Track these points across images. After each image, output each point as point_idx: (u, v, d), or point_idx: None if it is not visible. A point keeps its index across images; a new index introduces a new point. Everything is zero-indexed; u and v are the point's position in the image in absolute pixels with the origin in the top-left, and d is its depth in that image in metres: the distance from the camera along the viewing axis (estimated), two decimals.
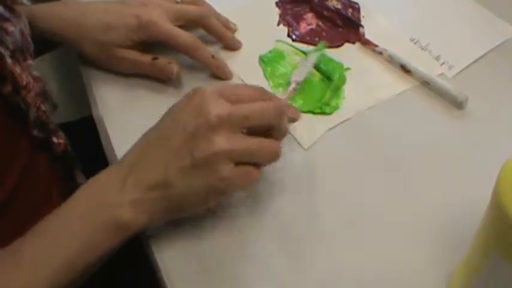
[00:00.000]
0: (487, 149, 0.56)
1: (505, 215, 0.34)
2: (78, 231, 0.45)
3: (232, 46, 0.66)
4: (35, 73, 0.52)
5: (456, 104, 0.59)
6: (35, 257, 0.44)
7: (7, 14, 0.49)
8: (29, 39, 0.53)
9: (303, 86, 0.61)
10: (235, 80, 0.63)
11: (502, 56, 0.65)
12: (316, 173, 0.54)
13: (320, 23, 0.69)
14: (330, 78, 0.62)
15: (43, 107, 0.52)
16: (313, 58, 0.62)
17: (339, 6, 0.69)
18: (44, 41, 0.60)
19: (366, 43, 0.66)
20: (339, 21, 0.68)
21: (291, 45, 0.66)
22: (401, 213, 0.51)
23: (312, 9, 0.70)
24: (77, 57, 0.65)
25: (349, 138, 0.57)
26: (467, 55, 0.64)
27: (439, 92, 0.60)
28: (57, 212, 0.47)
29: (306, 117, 0.58)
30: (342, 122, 0.58)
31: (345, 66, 0.64)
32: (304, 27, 0.68)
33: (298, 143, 0.56)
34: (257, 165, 0.47)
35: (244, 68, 0.64)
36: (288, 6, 0.71)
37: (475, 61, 0.64)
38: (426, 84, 0.61)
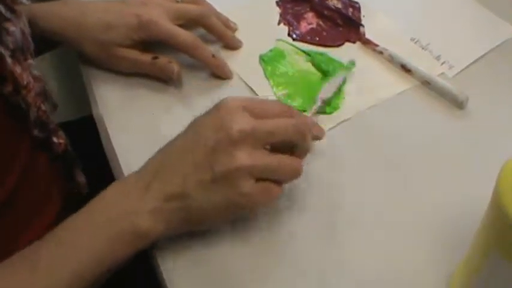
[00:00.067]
0: (487, 149, 0.56)
1: (505, 215, 0.34)
2: (97, 238, 0.45)
3: (232, 45, 0.66)
4: (35, 73, 0.52)
5: (456, 103, 0.59)
6: (52, 262, 0.44)
7: (8, 14, 0.49)
8: (30, 38, 0.53)
9: (303, 85, 0.61)
10: (235, 80, 0.63)
11: (503, 56, 0.65)
12: (316, 172, 0.54)
13: (320, 23, 0.69)
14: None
15: (43, 107, 0.52)
16: (341, 77, 0.61)
17: (339, 5, 0.69)
18: (44, 40, 0.60)
19: (367, 42, 0.66)
20: (339, 21, 0.68)
21: (291, 45, 0.66)
22: (401, 213, 0.51)
23: (312, 9, 0.70)
24: (77, 57, 0.65)
25: (349, 138, 0.57)
26: (468, 55, 0.64)
27: (440, 91, 0.60)
28: (76, 218, 0.46)
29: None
30: (342, 122, 0.58)
31: (346, 65, 0.64)
32: (304, 27, 0.68)
33: None
34: (278, 181, 0.47)
35: (244, 67, 0.64)
36: (289, 6, 0.71)
37: (476, 61, 0.64)
38: (427, 83, 0.61)
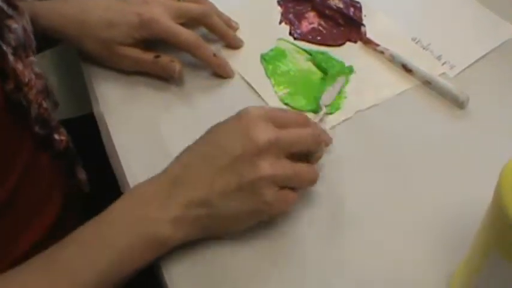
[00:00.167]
0: (488, 149, 0.56)
1: (505, 215, 0.34)
2: (117, 244, 0.45)
3: (234, 44, 0.66)
4: (37, 70, 0.52)
5: (457, 103, 0.59)
6: (72, 267, 0.45)
7: (10, 11, 0.49)
8: (32, 36, 0.53)
9: (304, 85, 0.61)
10: (236, 79, 0.63)
11: (504, 56, 0.65)
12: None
13: (322, 22, 0.69)
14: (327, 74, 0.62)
15: (44, 104, 0.52)
16: (340, 82, 0.62)
17: (340, 5, 0.69)
18: (45, 38, 0.60)
19: (368, 42, 0.66)
20: (340, 20, 0.68)
21: (292, 44, 0.66)
22: (401, 213, 0.51)
23: (313, 8, 0.70)
24: (78, 54, 0.65)
25: (350, 138, 0.57)
26: (469, 55, 0.64)
27: (441, 91, 0.60)
28: (96, 222, 0.46)
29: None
30: (342, 121, 0.58)
31: (347, 65, 0.64)
32: (305, 26, 0.68)
33: None
34: (294, 188, 0.48)
35: (245, 67, 0.64)
36: (290, 5, 0.71)
37: (477, 61, 0.64)
38: (427, 83, 0.61)
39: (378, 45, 0.65)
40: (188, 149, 0.49)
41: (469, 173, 0.54)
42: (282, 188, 0.47)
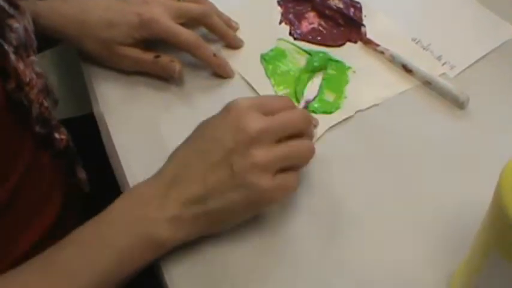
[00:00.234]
0: (488, 149, 0.56)
1: (505, 215, 0.34)
2: (116, 244, 0.45)
3: (234, 44, 0.65)
4: (37, 69, 0.52)
5: (458, 104, 0.59)
6: (72, 268, 0.44)
7: (11, 11, 0.49)
8: (33, 35, 0.53)
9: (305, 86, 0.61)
10: (236, 79, 0.63)
11: (504, 57, 0.65)
12: (316, 172, 0.54)
13: (322, 22, 0.69)
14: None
15: (45, 103, 0.52)
16: (319, 78, 0.62)
17: (340, 5, 0.69)
18: (45, 38, 0.60)
19: (368, 42, 0.66)
20: (340, 21, 0.68)
21: (292, 44, 0.66)
22: (401, 213, 0.51)
23: (313, 8, 0.70)
24: (78, 54, 0.65)
25: (349, 138, 0.57)
26: (469, 55, 0.64)
27: (441, 92, 0.60)
28: (95, 222, 0.46)
29: None
30: (342, 120, 0.58)
31: (347, 65, 0.64)
32: (306, 26, 0.68)
33: None
34: (295, 168, 0.48)
35: (245, 67, 0.64)
36: (290, 5, 0.71)
37: (477, 61, 0.64)
38: (428, 84, 0.61)
39: (378, 45, 0.65)
40: (180, 147, 0.49)
41: (469, 173, 0.54)
42: (281, 172, 0.46)
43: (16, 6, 0.50)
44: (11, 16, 0.49)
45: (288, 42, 0.66)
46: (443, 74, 0.63)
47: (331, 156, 0.55)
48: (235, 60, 0.64)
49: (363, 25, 0.68)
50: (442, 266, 0.47)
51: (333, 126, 0.58)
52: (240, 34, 0.67)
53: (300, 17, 0.70)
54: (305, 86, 0.61)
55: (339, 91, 0.61)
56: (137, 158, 0.56)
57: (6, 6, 0.49)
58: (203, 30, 0.65)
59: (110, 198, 0.47)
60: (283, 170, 0.47)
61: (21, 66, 0.48)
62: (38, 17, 0.59)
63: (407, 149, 0.56)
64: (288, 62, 0.64)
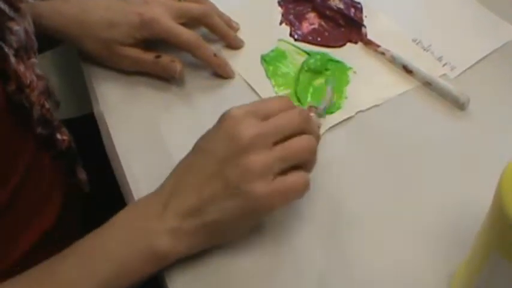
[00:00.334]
0: (488, 150, 0.55)
1: (506, 216, 0.34)
2: (116, 256, 0.45)
3: (234, 45, 0.65)
4: (38, 71, 0.52)
5: (458, 105, 0.59)
6: (71, 279, 0.44)
7: (12, 13, 0.49)
8: (33, 37, 0.53)
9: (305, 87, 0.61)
10: (237, 79, 0.63)
11: (505, 58, 0.65)
12: (316, 172, 0.54)
13: (322, 23, 0.69)
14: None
15: (47, 105, 0.52)
16: (330, 87, 0.61)
17: (341, 6, 0.69)
18: (46, 38, 0.60)
19: (368, 43, 0.66)
20: (341, 21, 0.68)
21: (293, 45, 0.66)
22: (401, 213, 0.51)
23: (314, 9, 0.70)
24: (78, 54, 0.65)
25: (350, 138, 0.57)
26: (470, 56, 0.64)
27: (441, 92, 0.60)
28: (96, 234, 0.46)
29: None
30: (343, 121, 0.58)
31: (347, 66, 0.64)
32: (306, 27, 0.68)
33: None
34: (300, 169, 0.46)
35: (246, 67, 0.64)
36: (290, 6, 0.71)
37: (478, 62, 0.64)
38: (428, 84, 0.61)
39: (378, 46, 0.65)
40: (180, 162, 0.49)
41: (469, 173, 0.54)
42: (281, 174, 0.45)
43: (16, 9, 0.50)
44: (12, 19, 0.49)
45: (288, 43, 0.66)
46: (444, 74, 0.63)
47: (332, 156, 0.55)
48: (236, 61, 0.64)
49: (364, 26, 0.68)
50: (442, 266, 0.47)
51: (334, 126, 0.58)
52: (241, 34, 0.67)
53: (300, 17, 0.70)
54: (307, 87, 0.61)
55: (339, 91, 0.61)
56: (137, 158, 0.56)
57: (7, 9, 0.48)
58: (204, 30, 0.65)
59: (109, 198, 0.48)
60: (292, 169, 0.46)
61: (21, 68, 0.48)
62: (39, 18, 0.59)
63: (408, 149, 0.56)
64: (288, 63, 0.64)
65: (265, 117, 0.46)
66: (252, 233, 0.49)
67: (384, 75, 0.63)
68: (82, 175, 0.61)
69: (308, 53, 0.65)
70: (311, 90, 0.61)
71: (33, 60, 0.52)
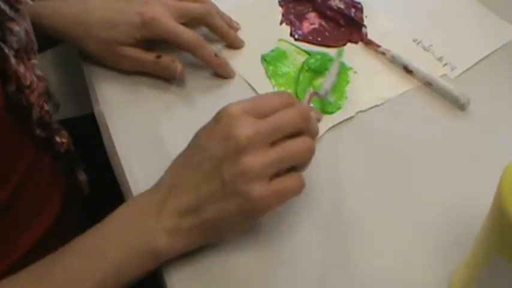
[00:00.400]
0: (489, 151, 0.56)
1: (506, 216, 0.34)
2: (115, 254, 0.45)
3: (235, 45, 0.65)
4: (38, 72, 0.52)
5: (458, 105, 0.59)
6: (69, 277, 0.44)
7: (12, 14, 0.49)
8: (34, 38, 0.53)
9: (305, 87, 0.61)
10: (237, 79, 0.63)
11: (505, 58, 0.65)
12: (316, 172, 0.54)
13: (323, 23, 0.69)
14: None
15: (46, 107, 0.52)
16: (334, 68, 0.62)
17: (341, 6, 0.69)
18: (46, 38, 0.60)
19: (369, 43, 0.66)
20: (341, 21, 0.68)
21: (293, 45, 0.66)
22: (402, 213, 0.51)
23: (314, 9, 0.70)
24: (79, 54, 0.65)
25: (350, 138, 0.57)
26: (470, 56, 0.64)
27: (441, 93, 0.60)
28: (94, 232, 0.46)
29: None
30: (343, 121, 0.58)
31: (348, 66, 0.64)
32: (306, 27, 0.68)
33: None
34: (295, 169, 0.46)
35: (246, 67, 0.64)
36: (291, 5, 0.71)
37: (478, 62, 0.64)
38: (428, 85, 0.61)
39: (379, 46, 0.65)
40: (177, 158, 0.49)
41: (469, 174, 0.54)
42: (280, 175, 0.45)
43: (17, 9, 0.50)
44: (12, 19, 0.49)
45: (288, 43, 0.66)
46: (444, 75, 0.63)
47: (332, 156, 0.55)
48: (236, 61, 0.64)
49: (364, 26, 0.68)
50: (442, 266, 0.47)
51: (334, 126, 0.58)
52: (241, 34, 0.67)
53: (300, 17, 0.69)
54: (307, 87, 0.61)
55: (340, 91, 0.61)
56: (137, 158, 0.56)
57: (7, 9, 0.48)
58: (204, 30, 0.65)
59: (109, 198, 0.48)
60: (287, 171, 0.46)
61: (21, 69, 0.48)
62: (39, 18, 0.59)
63: (408, 149, 0.56)
64: (288, 63, 0.64)
65: (264, 115, 0.46)
66: (251, 230, 0.49)
67: (384, 75, 0.63)
68: (82, 177, 0.61)
69: (308, 53, 0.65)
70: (311, 90, 0.61)
71: (34, 61, 0.52)
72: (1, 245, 0.50)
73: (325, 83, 0.60)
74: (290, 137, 0.46)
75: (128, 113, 0.60)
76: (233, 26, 0.67)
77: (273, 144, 0.45)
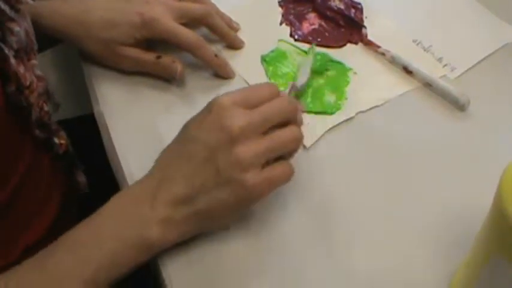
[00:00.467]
0: (488, 151, 0.56)
1: (506, 217, 0.34)
2: (109, 245, 0.45)
3: (234, 45, 0.65)
4: (38, 73, 0.52)
5: (458, 106, 0.59)
6: (63, 269, 0.44)
7: (12, 14, 0.49)
8: (34, 38, 0.53)
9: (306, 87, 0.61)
10: (237, 80, 0.63)
11: (505, 59, 0.65)
12: (316, 173, 0.54)
13: (323, 23, 0.69)
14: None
15: (45, 108, 0.52)
16: (308, 64, 0.62)
17: (341, 6, 0.69)
18: (46, 37, 0.60)
19: (369, 44, 0.66)
20: (341, 22, 0.68)
21: (293, 45, 0.66)
22: (401, 214, 0.51)
23: (314, 9, 0.70)
24: (78, 54, 0.65)
25: (350, 139, 0.57)
26: (470, 57, 0.64)
27: (441, 93, 0.60)
28: (87, 223, 0.46)
29: (307, 117, 0.58)
30: (343, 121, 0.58)
31: (348, 66, 0.64)
32: (306, 27, 0.68)
33: None
34: (284, 158, 0.48)
35: (246, 67, 0.64)
36: (291, 6, 0.71)
37: (478, 63, 0.64)
38: (428, 85, 0.61)
39: (378, 46, 0.65)
40: (168, 147, 0.49)
41: (469, 174, 0.54)
42: (270, 164, 0.46)
43: (17, 10, 0.50)
44: (12, 19, 0.49)
45: (288, 43, 0.66)
46: (444, 75, 0.63)
47: (332, 157, 0.55)
48: (236, 61, 0.64)
49: (364, 26, 0.68)
50: (442, 266, 0.47)
51: (334, 127, 0.58)
52: (241, 35, 0.67)
53: (300, 17, 0.70)
54: (306, 88, 0.61)
55: (339, 92, 0.61)
56: (137, 158, 0.56)
57: (7, 10, 0.48)
58: (204, 30, 0.65)
59: (109, 198, 0.47)
60: (276, 160, 0.47)
61: (21, 69, 0.48)
62: (39, 18, 0.59)
63: (408, 150, 0.56)
64: (288, 64, 0.64)
65: (254, 105, 0.47)
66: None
67: (384, 76, 0.63)
68: (81, 177, 0.61)
69: (307, 53, 0.65)
70: (311, 90, 0.61)
71: (34, 61, 0.52)
72: (1, 244, 0.50)
73: (300, 77, 0.60)
74: (278, 126, 0.47)
75: (127, 113, 0.60)
76: (233, 27, 0.67)
77: (264, 134, 0.46)
